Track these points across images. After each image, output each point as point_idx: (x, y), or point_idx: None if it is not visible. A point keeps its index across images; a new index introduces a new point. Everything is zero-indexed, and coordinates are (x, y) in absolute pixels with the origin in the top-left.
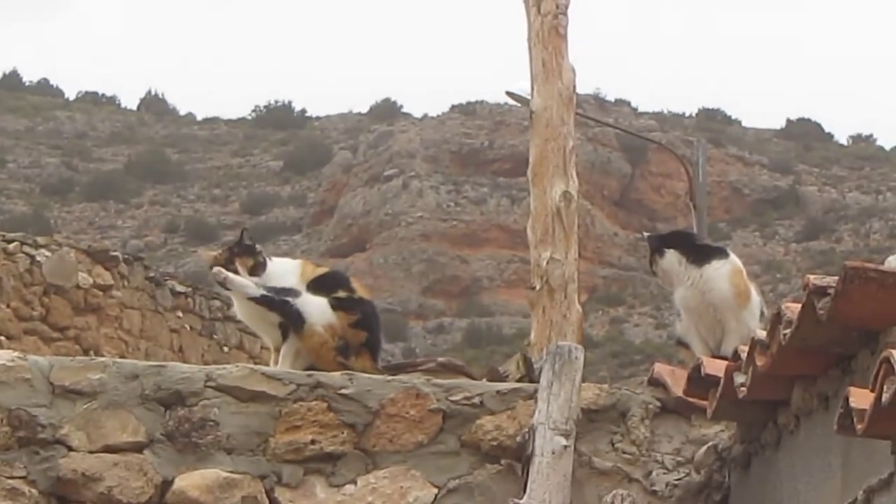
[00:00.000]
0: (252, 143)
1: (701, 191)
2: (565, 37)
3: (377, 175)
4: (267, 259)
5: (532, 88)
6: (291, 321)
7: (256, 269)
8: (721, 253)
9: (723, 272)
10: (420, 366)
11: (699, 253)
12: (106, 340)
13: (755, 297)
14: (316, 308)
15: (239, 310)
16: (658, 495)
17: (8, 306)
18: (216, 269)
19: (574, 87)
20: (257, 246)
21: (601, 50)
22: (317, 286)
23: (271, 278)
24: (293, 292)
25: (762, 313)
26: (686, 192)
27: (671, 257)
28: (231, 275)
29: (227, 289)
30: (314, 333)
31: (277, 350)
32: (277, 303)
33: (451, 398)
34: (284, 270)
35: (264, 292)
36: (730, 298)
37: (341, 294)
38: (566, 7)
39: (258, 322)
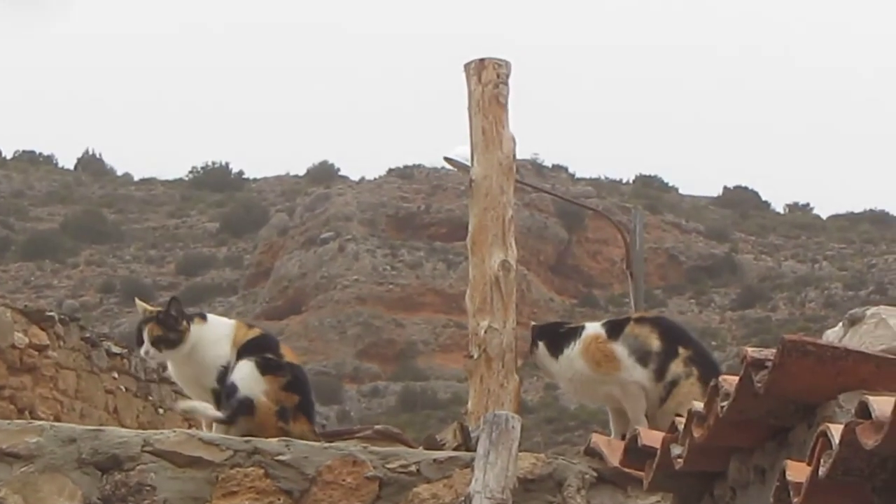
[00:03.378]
0: (189, 205)
1: (637, 258)
2: (506, 106)
3: (313, 238)
4: (191, 327)
5: (472, 157)
6: (242, 412)
7: (161, 343)
8: (573, 335)
9: (573, 355)
10: (357, 433)
11: (557, 343)
12: (41, 401)
13: (621, 350)
14: (250, 380)
15: (174, 372)
16: None
17: None
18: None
19: (514, 156)
20: (183, 322)
21: (539, 115)
22: (247, 351)
23: (204, 342)
24: (232, 386)
25: (647, 352)
26: (622, 258)
27: (542, 350)
28: (194, 404)
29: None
30: (261, 405)
31: None
32: (227, 405)
33: (387, 466)
34: (219, 336)
35: (220, 416)
36: (591, 375)
37: (268, 356)
38: (507, 76)
39: (193, 387)
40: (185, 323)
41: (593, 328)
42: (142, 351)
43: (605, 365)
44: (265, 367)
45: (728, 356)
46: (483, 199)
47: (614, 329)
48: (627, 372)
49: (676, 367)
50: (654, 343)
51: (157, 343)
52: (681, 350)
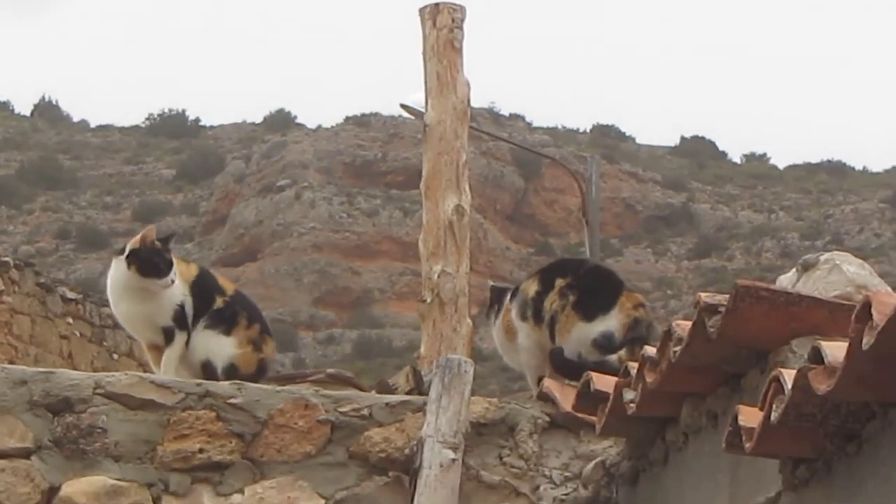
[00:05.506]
0: (145, 151)
1: (594, 207)
2: (460, 51)
3: (270, 185)
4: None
5: (426, 102)
6: (234, 376)
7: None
8: (502, 301)
9: (497, 324)
10: (309, 377)
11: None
12: None
13: (514, 312)
14: (227, 347)
15: (126, 310)
16: None
17: None
18: None
19: (468, 101)
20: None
21: (496, 64)
22: (199, 293)
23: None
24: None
25: (525, 302)
26: (579, 207)
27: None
28: None
29: None
30: (242, 357)
31: (154, 348)
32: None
33: (339, 409)
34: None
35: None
36: (507, 345)
37: (220, 303)
38: (462, 21)
39: (144, 326)
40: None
41: (509, 295)
42: (168, 279)
43: (511, 332)
44: (228, 326)
45: (684, 305)
46: (437, 143)
47: (514, 292)
48: (519, 337)
49: (550, 303)
50: (532, 289)
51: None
52: (558, 281)
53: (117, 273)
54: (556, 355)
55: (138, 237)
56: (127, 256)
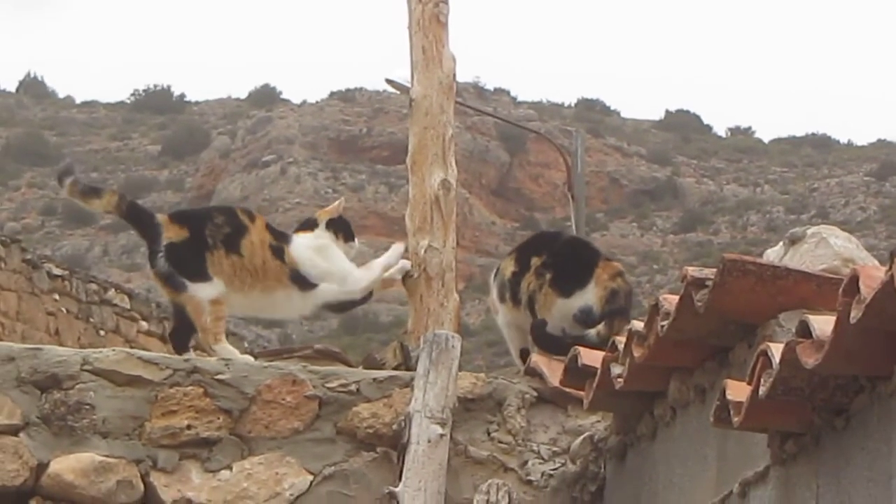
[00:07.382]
0: (130, 127)
1: (579, 181)
2: (446, 25)
3: (255, 161)
4: None
5: (412, 76)
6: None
7: None
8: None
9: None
10: (296, 352)
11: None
12: None
13: (493, 291)
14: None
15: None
16: (533, 485)
17: None
18: None
19: (454, 75)
20: None
21: (481, 38)
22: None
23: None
24: None
25: (503, 283)
26: (564, 182)
27: None
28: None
29: None
30: None
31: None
32: None
33: (327, 385)
34: None
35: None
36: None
37: None
38: None
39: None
40: None
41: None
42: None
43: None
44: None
45: (670, 279)
46: (423, 118)
47: (497, 270)
48: (499, 315)
49: (527, 283)
50: (510, 269)
51: None
52: (533, 261)
53: (320, 242)
54: (538, 328)
55: (331, 208)
56: (327, 226)
